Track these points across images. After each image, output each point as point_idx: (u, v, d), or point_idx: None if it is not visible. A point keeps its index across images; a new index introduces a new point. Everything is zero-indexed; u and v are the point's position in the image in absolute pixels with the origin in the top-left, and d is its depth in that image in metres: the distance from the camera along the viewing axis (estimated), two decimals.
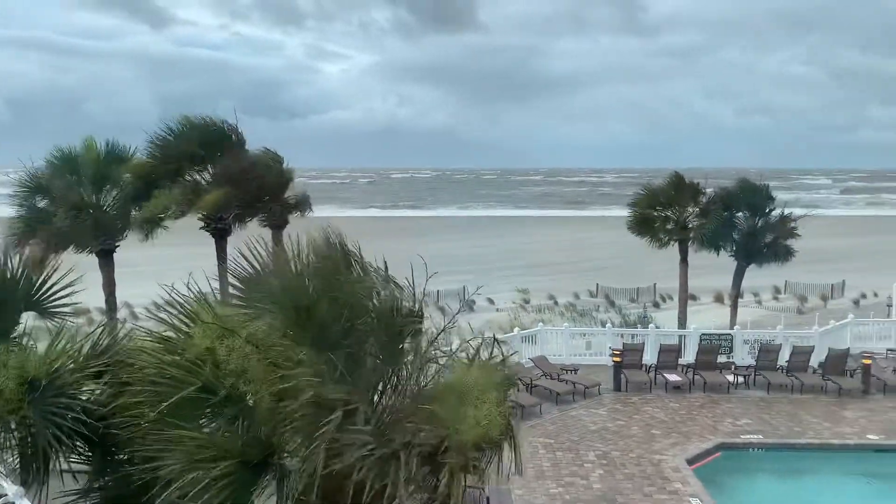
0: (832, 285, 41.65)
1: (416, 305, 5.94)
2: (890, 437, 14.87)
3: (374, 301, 5.89)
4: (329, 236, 6.07)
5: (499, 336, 20.11)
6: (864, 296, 39.89)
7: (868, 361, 18.10)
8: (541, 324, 22.23)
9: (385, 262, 6.20)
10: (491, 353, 5.97)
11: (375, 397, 5.96)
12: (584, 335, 21.80)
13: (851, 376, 18.40)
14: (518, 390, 16.29)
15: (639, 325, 25.11)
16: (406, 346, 5.90)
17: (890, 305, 25.47)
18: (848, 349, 19.80)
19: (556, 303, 37.16)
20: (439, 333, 6.14)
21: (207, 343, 5.62)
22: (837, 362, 18.48)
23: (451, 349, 6.18)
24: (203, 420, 5.84)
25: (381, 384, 6.00)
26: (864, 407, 16.85)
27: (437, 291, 33.65)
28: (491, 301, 36.00)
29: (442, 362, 6.12)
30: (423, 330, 6.02)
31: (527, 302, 36.87)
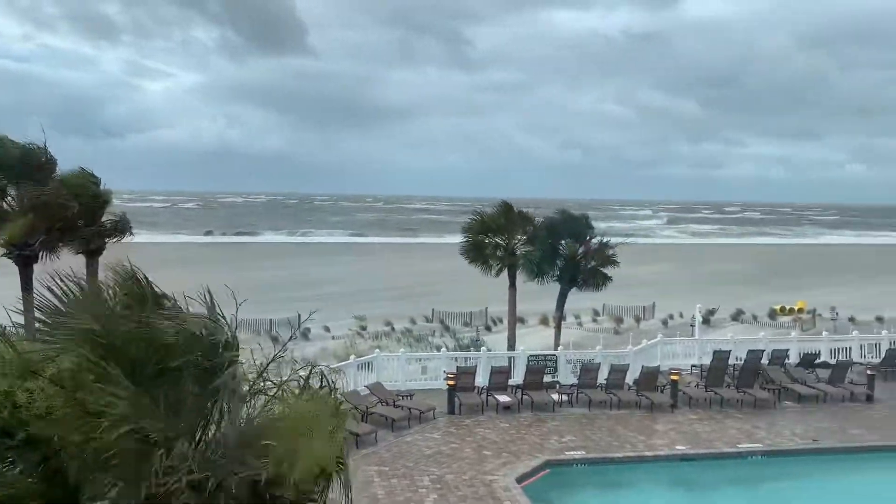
0: (644, 307, 45.00)
1: (231, 336, 5.71)
2: (695, 447, 16.20)
3: (189, 335, 5.58)
4: (135, 269, 5.71)
5: (334, 364, 19.81)
6: (671, 316, 43.46)
7: (676, 377, 19.67)
8: (377, 350, 22.18)
9: (208, 293, 5.91)
10: (321, 382, 5.85)
11: (198, 433, 5.64)
12: (420, 360, 22.01)
13: (662, 392, 19.89)
14: (355, 419, 16.07)
15: (472, 349, 25.76)
16: (226, 378, 5.64)
17: (693, 325, 27.91)
18: (658, 366, 21.44)
19: (393, 329, 37.27)
20: (268, 364, 5.94)
21: (5, 386, 5.08)
22: (650, 379, 19.93)
23: (280, 379, 5.98)
24: (5, 465, 5.33)
25: (202, 419, 5.68)
26: (673, 420, 18.28)
27: (270, 320, 32.67)
28: (327, 329, 35.47)
29: (271, 393, 5.91)
30: (243, 361, 5.79)
31: (364, 329, 36.70)
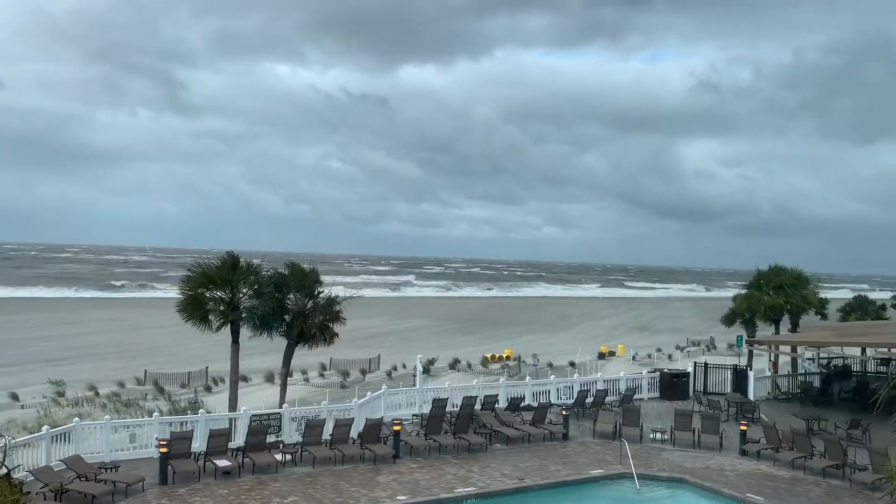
0: (370, 359, 45.93)
1: None
2: (415, 496, 16.63)
3: None
4: None
5: (21, 438, 17.30)
6: (395, 368, 44.84)
7: (398, 427, 20.17)
8: (77, 419, 19.77)
9: None
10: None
11: None
12: (128, 427, 20.01)
13: (385, 443, 20.24)
14: (45, 500, 14.04)
15: (189, 412, 24.10)
16: None
17: (415, 375, 28.99)
18: (382, 418, 21.84)
19: (97, 393, 33.64)
20: None
21: None
22: (373, 431, 20.19)
23: None
24: None
25: None
26: (395, 470, 18.65)
27: None
28: (14, 396, 30.97)
29: None
30: None
31: (61, 395, 32.65)
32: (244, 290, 23.79)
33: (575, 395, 26.91)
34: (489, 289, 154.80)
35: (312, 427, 19.86)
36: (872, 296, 59.14)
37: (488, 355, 50.02)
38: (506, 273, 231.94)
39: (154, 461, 17.61)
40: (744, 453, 20.86)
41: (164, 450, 17.29)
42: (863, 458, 18.95)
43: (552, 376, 30.06)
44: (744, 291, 38.53)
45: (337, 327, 25.27)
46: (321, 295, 25.27)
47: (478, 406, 23.90)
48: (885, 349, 29.41)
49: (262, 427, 19.65)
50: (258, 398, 31.13)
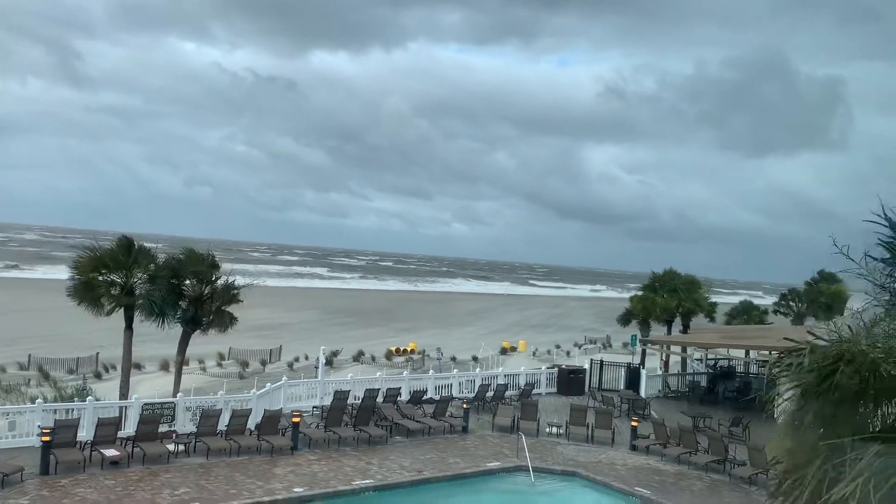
0: (271, 350, 45.09)
1: None
2: (312, 488, 16.46)
3: None
4: None
5: None
6: (297, 359, 44.17)
7: (297, 419, 19.88)
8: None
9: None
10: None
11: None
12: (7, 415, 18.88)
13: (283, 434, 19.93)
14: None
15: (76, 399, 22.95)
16: None
17: (317, 367, 28.62)
18: (281, 409, 21.48)
19: None
20: None
21: None
22: (271, 422, 19.83)
23: None
24: None
25: None
26: (293, 462, 18.38)
27: None
28: None
29: None
30: None
31: None
32: (139, 275, 23.04)
33: (476, 389, 27.29)
34: (398, 282, 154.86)
35: (208, 417, 19.34)
36: (760, 302, 62.70)
37: (393, 348, 50.05)
38: (414, 267, 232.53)
39: (36, 450, 16.69)
40: (634, 448, 21.72)
41: (47, 438, 16.40)
42: (742, 454, 20.11)
43: (455, 370, 30.36)
44: (640, 293, 40.14)
45: (237, 313, 24.75)
46: (218, 281, 24.68)
47: (380, 399, 23.90)
48: (766, 352, 31.28)
49: (154, 416, 18.97)
50: (151, 387, 29.98)
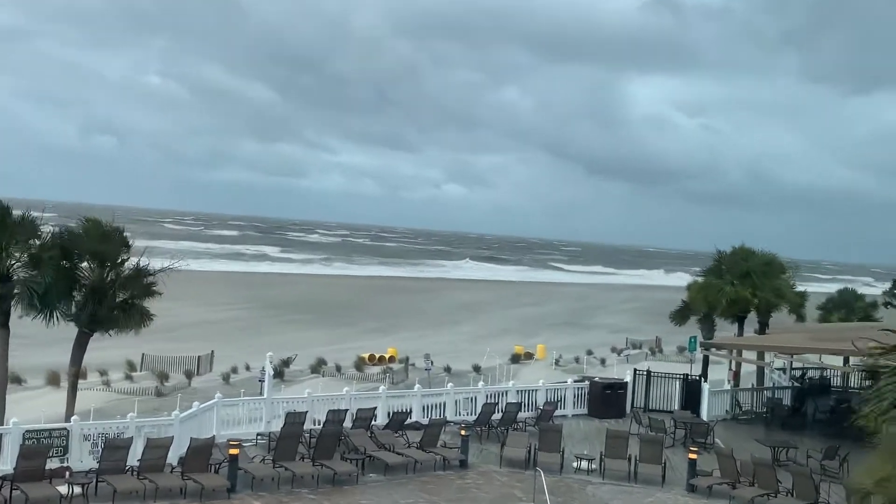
0: (199, 357, 45.13)
1: None
2: None
3: None
4: None
5: None
6: (234, 369, 44.23)
7: (235, 451, 19.88)
8: None
9: None
10: None
11: None
12: None
13: (217, 471, 19.94)
14: None
15: None
16: None
17: (262, 380, 28.65)
18: (213, 437, 21.49)
19: None
20: None
21: None
22: (200, 456, 19.82)
23: None
24: None
25: None
26: None
27: None
28: None
29: None
30: None
31: None
32: (16, 255, 22.99)
33: (479, 410, 27.35)
34: (373, 266, 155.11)
35: (113, 449, 19.36)
36: (867, 291, 62.23)
37: (365, 355, 50.13)
38: (394, 245, 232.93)
39: None
40: (692, 489, 21.82)
41: None
42: (839, 496, 20.19)
43: (450, 384, 30.40)
44: (700, 279, 40.04)
45: (153, 307, 24.72)
46: (127, 264, 24.61)
47: (348, 423, 23.94)
48: (864, 358, 31.34)
49: (39, 447, 18.99)
50: (36, 407, 29.93)
